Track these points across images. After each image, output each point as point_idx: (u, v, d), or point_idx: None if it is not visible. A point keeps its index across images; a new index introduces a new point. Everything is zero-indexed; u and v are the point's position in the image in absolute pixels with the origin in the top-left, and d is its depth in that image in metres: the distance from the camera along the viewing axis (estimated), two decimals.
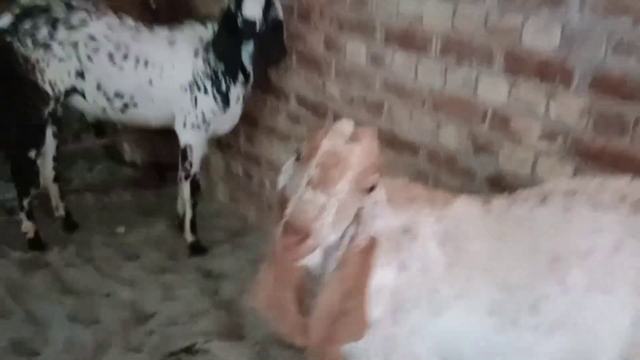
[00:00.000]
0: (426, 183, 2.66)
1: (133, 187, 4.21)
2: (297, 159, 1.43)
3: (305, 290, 1.52)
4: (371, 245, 1.47)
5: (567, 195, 1.59)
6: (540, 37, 2.12)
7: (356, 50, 2.88)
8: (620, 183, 1.60)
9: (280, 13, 3.05)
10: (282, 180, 1.52)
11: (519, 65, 2.21)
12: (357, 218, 1.46)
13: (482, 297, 1.57)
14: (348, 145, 1.37)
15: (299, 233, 1.29)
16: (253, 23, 2.89)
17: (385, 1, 2.68)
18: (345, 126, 1.42)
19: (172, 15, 3.75)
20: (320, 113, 3.18)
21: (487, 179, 2.41)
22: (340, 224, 1.41)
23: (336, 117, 3.08)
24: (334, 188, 1.33)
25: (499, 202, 1.67)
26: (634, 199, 1.54)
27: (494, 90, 2.32)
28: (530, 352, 1.58)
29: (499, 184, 2.35)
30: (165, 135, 3.49)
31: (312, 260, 1.46)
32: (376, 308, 1.58)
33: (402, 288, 1.61)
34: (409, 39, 2.61)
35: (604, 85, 1.97)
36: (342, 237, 1.48)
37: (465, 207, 1.68)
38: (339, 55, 2.99)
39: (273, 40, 3.07)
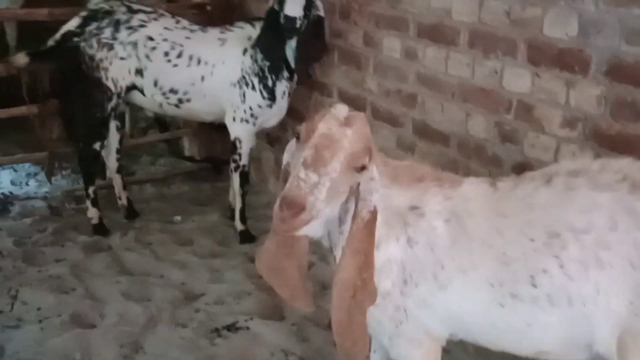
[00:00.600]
0: (457, 171, 2.74)
1: (191, 179, 4.48)
2: (297, 139, 1.57)
3: (305, 258, 1.66)
4: (372, 217, 1.59)
5: (570, 175, 1.64)
6: (559, 27, 2.18)
7: (392, 46, 3.00)
8: (622, 163, 1.64)
9: (321, 11, 3.20)
10: (285, 159, 1.68)
11: (540, 55, 2.27)
12: (356, 194, 1.59)
13: (483, 270, 1.65)
14: (341, 129, 1.51)
15: (293, 208, 1.43)
16: (294, 20, 3.06)
17: None
18: (340, 111, 1.57)
19: (226, 17, 3.98)
20: (360, 106, 3.31)
21: (513, 167, 2.47)
22: (335, 200, 1.55)
23: (374, 110, 3.21)
24: (325, 168, 1.47)
25: (506, 183, 1.74)
26: (634, 179, 1.58)
27: (518, 80, 2.38)
28: (530, 325, 1.65)
29: (524, 172, 2.40)
30: (221, 132, 3.71)
31: (313, 232, 1.61)
32: (386, 280, 1.70)
33: (410, 262, 1.71)
34: (439, 33, 2.71)
35: (619, 72, 2.01)
36: (346, 212, 1.62)
37: (472, 187, 1.76)
38: (377, 50, 3.12)
39: (314, 38, 3.23)
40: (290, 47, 3.32)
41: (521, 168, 2.43)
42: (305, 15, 3.11)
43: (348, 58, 3.34)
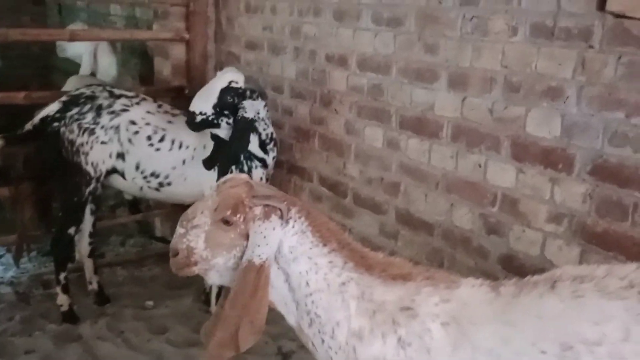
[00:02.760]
0: (442, 261, 2.78)
1: (163, 261, 4.37)
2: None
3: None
4: (261, 268, 1.68)
5: (575, 281, 1.60)
6: (542, 127, 2.29)
7: (374, 135, 3.08)
8: (627, 270, 1.62)
9: (250, 113, 3.17)
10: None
11: (524, 152, 2.37)
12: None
13: None
14: (212, 192, 1.78)
15: (171, 252, 1.79)
16: (192, 114, 3.16)
17: (399, 91, 2.89)
18: (226, 178, 1.83)
19: None
20: (341, 192, 3.35)
21: (499, 259, 2.52)
22: (221, 250, 1.73)
23: (355, 197, 3.25)
24: (189, 222, 1.75)
25: (508, 287, 1.68)
26: None
27: (502, 174, 2.46)
28: None
29: (511, 264, 2.46)
30: None
31: (215, 280, 1.82)
32: None
33: None
34: (421, 126, 2.80)
35: (603, 172, 2.11)
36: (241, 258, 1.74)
37: (472, 291, 1.70)
38: (358, 138, 3.19)
39: (234, 137, 3.21)
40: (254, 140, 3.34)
41: (507, 260, 2.49)
42: (219, 114, 3.17)
43: (329, 144, 3.41)
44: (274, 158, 3.44)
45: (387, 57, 2.95)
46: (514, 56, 2.39)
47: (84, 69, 4.84)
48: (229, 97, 3.14)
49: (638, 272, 1.59)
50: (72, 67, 5.27)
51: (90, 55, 4.82)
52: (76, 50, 4.91)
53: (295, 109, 3.63)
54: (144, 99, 3.56)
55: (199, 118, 3.15)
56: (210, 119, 3.16)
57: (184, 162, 3.45)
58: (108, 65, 4.87)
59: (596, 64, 2.12)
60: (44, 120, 3.40)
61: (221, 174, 3.28)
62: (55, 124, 3.37)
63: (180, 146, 3.45)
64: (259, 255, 1.70)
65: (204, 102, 3.15)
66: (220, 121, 3.19)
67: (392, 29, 2.91)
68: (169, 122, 3.50)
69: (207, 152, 3.44)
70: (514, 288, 1.67)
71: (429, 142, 2.78)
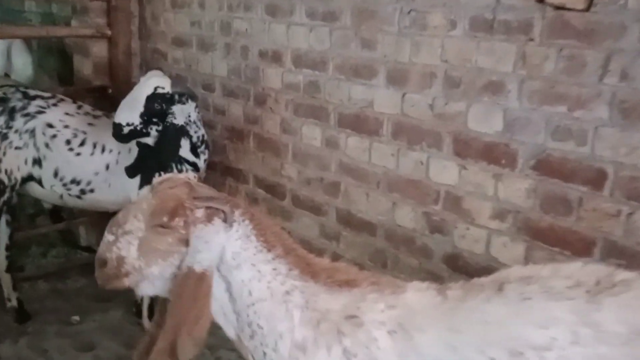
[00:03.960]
0: (385, 261, 2.70)
1: (89, 272, 4.08)
2: None
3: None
4: (203, 276, 1.57)
5: (521, 282, 1.55)
6: (484, 122, 2.25)
7: (312, 134, 2.97)
8: (572, 268, 1.59)
9: (179, 119, 3.03)
10: None
11: (466, 148, 2.32)
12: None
13: None
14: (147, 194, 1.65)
15: (97, 262, 1.64)
16: (119, 126, 2.92)
17: (337, 88, 2.80)
18: (160, 179, 1.71)
19: None
20: (279, 193, 3.22)
21: (444, 258, 2.46)
22: (156, 257, 1.60)
23: (294, 198, 3.13)
24: (120, 227, 1.61)
25: (454, 292, 1.61)
26: (587, 284, 1.55)
27: (444, 172, 2.41)
28: None
29: (456, 263, 2.41)
30: None
31: (148, 290, 1.66)
32: None
33: None
34: (361, 123, 2.71)
35: (546, 167, 2.08)
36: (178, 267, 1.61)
37: (418, 295, 1.62)
38: (295, 138, 3.07)
39: (162, 145, 3.04)
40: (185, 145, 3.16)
41: (452, 259, 2.44)
42: (147, 123, 2.96)
43: (265, 144, 3.27)
44: (205, 161, 3.27)
45: (323, 53, 2.85)
46: (454, 51, 2.34)
47: None
48: (156, 105, 2.94)
49: (584, 270, 1.55)
50: None
51: (2, 54, 4.47)
52: None
53: (228, 108, 3.47)
54: (62, 100, 3.30)
55: (126, 129, 2.92)
56: (138, 129, 2.94)
57: (107, 167, 3.22)
58: (23, 64, 4.54)
59: (537, 58, 2.09)
60: None
61: (144, 181, 3.09)
62: None
63: (103, 150, 3.21)
64: (200, 262, 1.57)
65: (130, 112, 2.93)
66: (149, 130, 2.98)
67: (328, 23, 2.81)
68: (90, 124, 3.26)
69: (133, 155, 3.23)
70: (460, 292, 1.60)
71: (369, 140, 2.70)
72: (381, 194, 2.68)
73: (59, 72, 4.82)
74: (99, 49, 3.96)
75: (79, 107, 3.32)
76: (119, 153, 3.23)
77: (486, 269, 2.28)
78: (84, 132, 3.21)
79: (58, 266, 4.18)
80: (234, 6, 3.31)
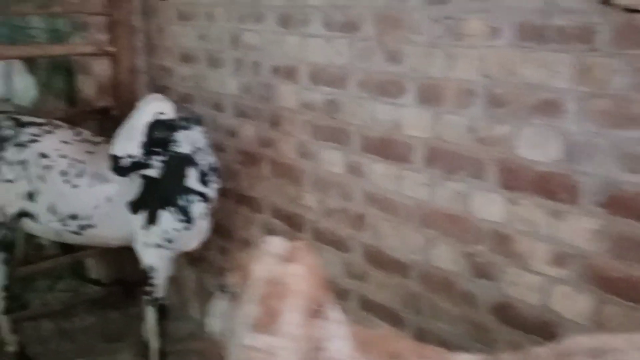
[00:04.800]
0: (419, 308, 2.34)
1: (97, 307, 3.83)
2: (228, 295, 1.14)
3: None
4: None
5: (590, 356, 1.29)
6: (537, 148, 1.88)
7: (332, 159, 2.63)
8: None
9: (184, 148, 2.71)
10: (214, 325, 1.23)
11: (515, 179, 1.95)
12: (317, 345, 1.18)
13: None
14: (285, 268, 1.16)
15: None
16: (115, 159, 2.60)
17: (359, 107, 2.45)
18: (275, 245, 1.21)
19: None
20: (297, 225, 2.88)
21: (490, 307, 2.09)
22: None
23: (314, 231, 2.79)
24: (281, 324, 1.11)
25: None
26: None
27: (489, 206, 2.04)
28: None
29: (506, 314, 2.04)
30: (132, 249, 3.16)
31: None
32: None
33: None
34: (387, 148, 2.36)
35: (618, 204, 1.70)
36: None
37: None
38: (314, 163, 2.73)
39: (167, 178, 2.73)
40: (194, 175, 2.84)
41: (501, 309, 2.07)
42: (149, 153, 2.64)
43: (281, 170, 2.94)
44: (216, 189, 2.95)
45: (342, 68, 2.50)
46: (496, 63, 1.97)
47: None
48: (157, 133, 2.63)
49: None
50: None
51: (1, 77, 4.18)
52: None
53: (240, 129, 3.15)
54: (58, 126, 3.02)
55: (125, 162, 2.61)
56: (138, 160, 2.63)
57: (108, 199, 2.91)
58: (25, 86, 4.25)
59: (601, 71, 1.72)
60: None
61: (150, 217, 2.77)
62: None
63: (104, 181, 2.91)
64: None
65: (129, 143, 2.61)
66: (151, 161, 2.67)
67: (347, 34, 2.46)
68: (89, 152, 2.96)
69: (136, 185, 2.92)
70: None
71: (397, 167, 2.34)
72: (413, 229, 2.32)
73: (66, 92, 4.54)
74: (102, 67, 3.68)
75: (77, 134, 3.04)
76: (120, 183, 2.93)
77: (544, 324, 1.91)
78: (82, 162, 2.92)
79: (64, 303, 3.89)
80: (244, 17, 2.98)
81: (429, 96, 2.19)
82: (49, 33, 5.01)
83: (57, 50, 3.69)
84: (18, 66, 4.25)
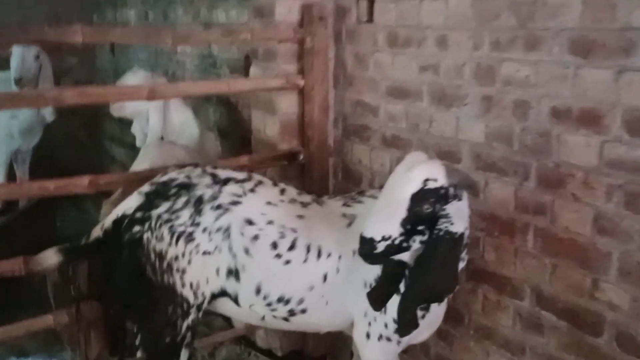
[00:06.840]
0: None
1: None
2: None
3: None
4: None
5: None
6: None
7: None
8: None
9: (458, 225, 1.95)
10: None
11: None
12: None
13: None
14: None
15: None
16: (371, 242, 1.90)
17: None
18: None
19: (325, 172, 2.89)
20: (587, 325, 2.11)
21: None
22: None
23: (619, 336, 2.00)
24: None
25: None
26: None
27: None
28: None
29: None
30: None
31: None
32: None
33: None
34: None
35: None
36: None
37: None
38: (624, 245, 1.96)
39: (437, 262, 1.96)
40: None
41: None
42: (410, 233, 1.95)
43: (558, 247, 2.18)
44: (464, 268, 2.23)
45: None
46: None
47: (154, 131, 3.61)
48: (426, 206, 1.92)
49: None
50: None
51: (159, 111, 3.62)
52: (138, 106, 3.61)
53: (486, 187, 2.42)
54: (260, 183, 2.41)
55: (381, 246, 1.92)
56: (397, 243, 1.93)
57: (324, 278, 2.26)
58: (183, 123, 3.68)
59: None
60: (118, 222, 2.27)
61: (403, 319, 2.06)
62: (136, 227, 2.23)
63: (319, 254, 2.27)
64: None
65: (386, 221, 1.90)
66: (411, 243, 1.97)
67: None
68: (300, 216, 2.33)
69: (358, 261, 2.23)
70: None
71: None
72: None
73: (237, 131, 3.96)
74: (288, 104, 3.07)
75: (282, 192, 2.42)
76: (339, 258, 2.28)
77: None
78: (294, 230, 2.28)
79: None
80: (503, 43, 2.27)
81: None
82: (200, 59, 4.54)
83: (243, 85, 3.09)
84: (176, 99, 3.74)
